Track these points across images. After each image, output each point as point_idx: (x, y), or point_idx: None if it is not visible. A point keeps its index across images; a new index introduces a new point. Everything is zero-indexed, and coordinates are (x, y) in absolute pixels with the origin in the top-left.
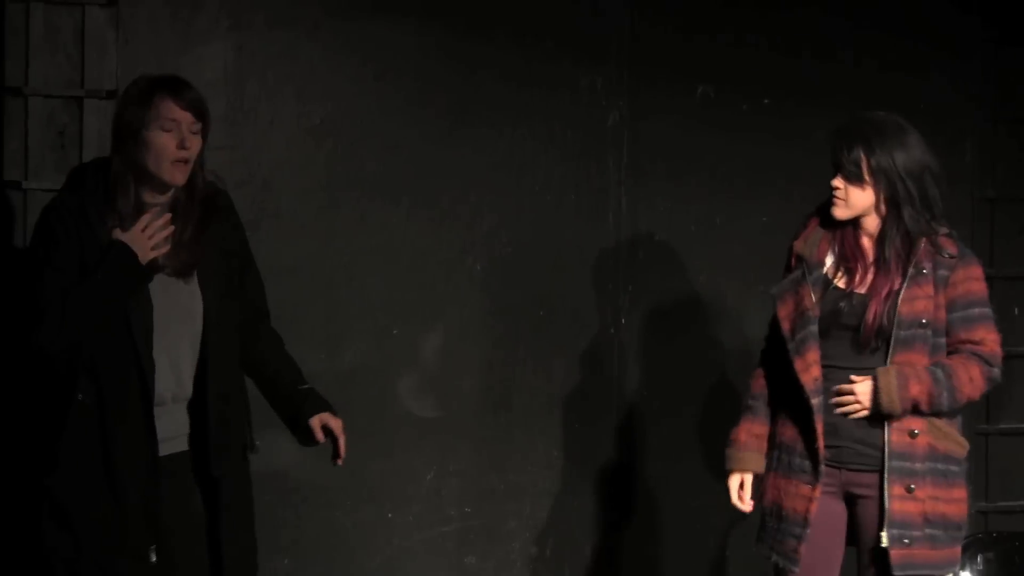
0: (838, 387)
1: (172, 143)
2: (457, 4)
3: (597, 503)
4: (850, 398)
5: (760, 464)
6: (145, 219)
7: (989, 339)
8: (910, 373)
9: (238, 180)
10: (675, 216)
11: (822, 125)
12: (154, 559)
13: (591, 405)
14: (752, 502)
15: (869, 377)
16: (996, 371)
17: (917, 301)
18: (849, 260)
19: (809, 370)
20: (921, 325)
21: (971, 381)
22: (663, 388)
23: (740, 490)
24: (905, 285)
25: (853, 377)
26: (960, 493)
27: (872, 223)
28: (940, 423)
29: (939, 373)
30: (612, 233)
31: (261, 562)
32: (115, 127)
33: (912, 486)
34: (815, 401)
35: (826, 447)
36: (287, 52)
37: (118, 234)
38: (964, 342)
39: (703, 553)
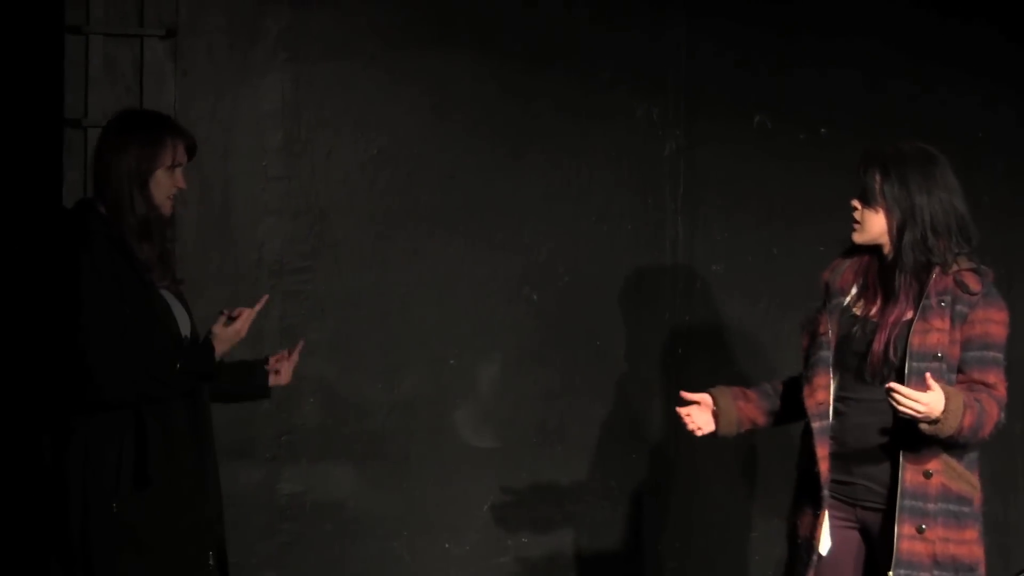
0: (897, 389)
1: (177, 181)
2: (513, 35)
3: (655, 533)
4: (908, 400)
5: (727, 402)
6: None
7: (1000, 385)
8: (967, 401)
9: (295, 211)
10: (732, 246)
11: None
12: (212, 563)
13: (648, 435)
14: (688, 414)
15: (943, 391)
16: (1003, 417)
17: (930, 334)
18: (868, 287)
19: (815, 395)
20: (936, 358)
21: (991, 420)
22: None
23: (693, 402)
24: (918, 317)
25: (931, 383)
26: (972, 534)
27: (889, 250)
28: (955, 463)
29: (978, 406)
30: (669, 263)
31: None
32: (122, 167)
33: (923, 526)
34: (816, 425)
35: (838, 483)
36: (344, 84)
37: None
38: (977, 382)
39: None
